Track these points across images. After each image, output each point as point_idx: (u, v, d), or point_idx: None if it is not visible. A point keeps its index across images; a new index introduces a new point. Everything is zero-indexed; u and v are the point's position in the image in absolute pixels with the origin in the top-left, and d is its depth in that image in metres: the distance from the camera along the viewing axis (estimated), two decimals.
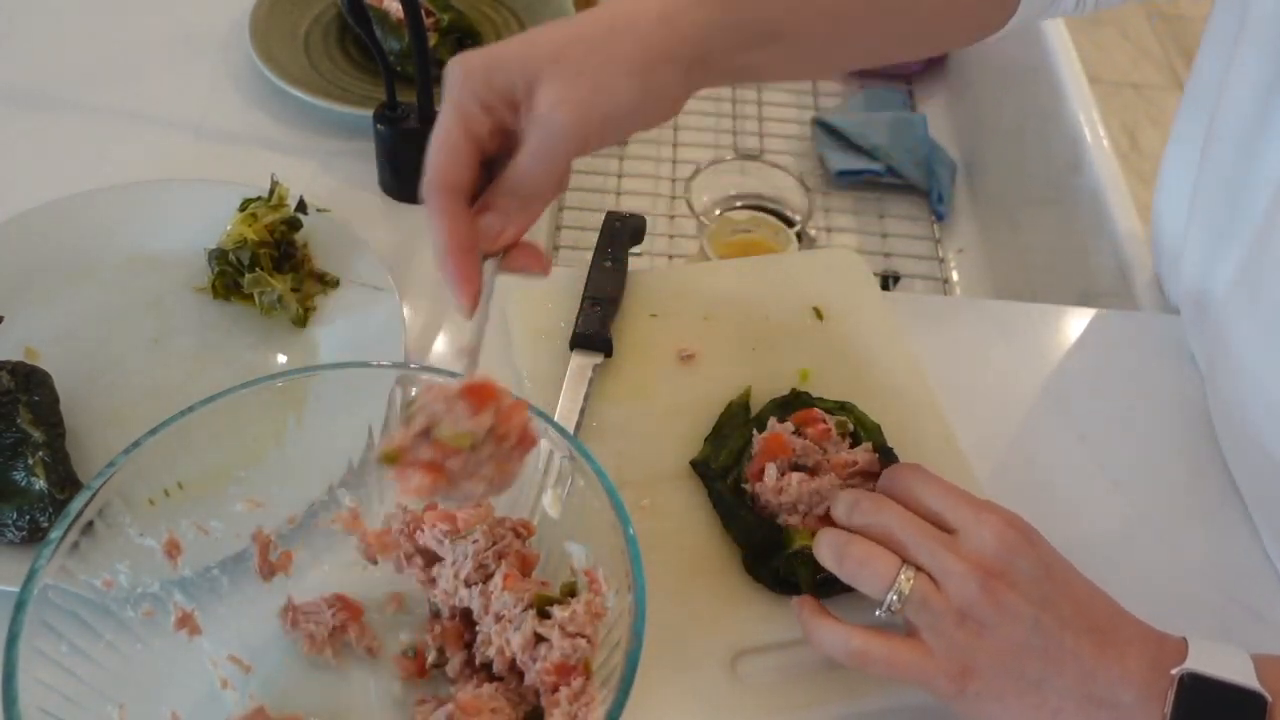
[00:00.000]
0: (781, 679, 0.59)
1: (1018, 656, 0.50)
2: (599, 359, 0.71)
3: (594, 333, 0.72)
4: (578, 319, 0.73)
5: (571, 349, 0.72)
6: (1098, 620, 0.51)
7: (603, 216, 0.81)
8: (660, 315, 0.76)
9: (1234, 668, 0.49)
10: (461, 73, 0.50)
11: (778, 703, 0.58)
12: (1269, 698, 0.48)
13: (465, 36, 0.95)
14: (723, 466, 0.65)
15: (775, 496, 0.61)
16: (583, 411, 0.69)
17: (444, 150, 0.50)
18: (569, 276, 0.77)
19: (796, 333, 0.76)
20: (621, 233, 0.79)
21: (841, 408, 0.67)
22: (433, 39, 0.90)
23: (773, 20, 0.56)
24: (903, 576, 0.51)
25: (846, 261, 0.81)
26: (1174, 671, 0.49)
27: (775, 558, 0.60)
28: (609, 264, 0.76)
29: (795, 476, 0.60)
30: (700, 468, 0.66)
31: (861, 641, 0.52)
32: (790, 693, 0.58)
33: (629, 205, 1.10)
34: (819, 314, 0.77)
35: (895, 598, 0.51)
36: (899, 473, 0.56)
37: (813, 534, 0.59)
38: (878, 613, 0.52)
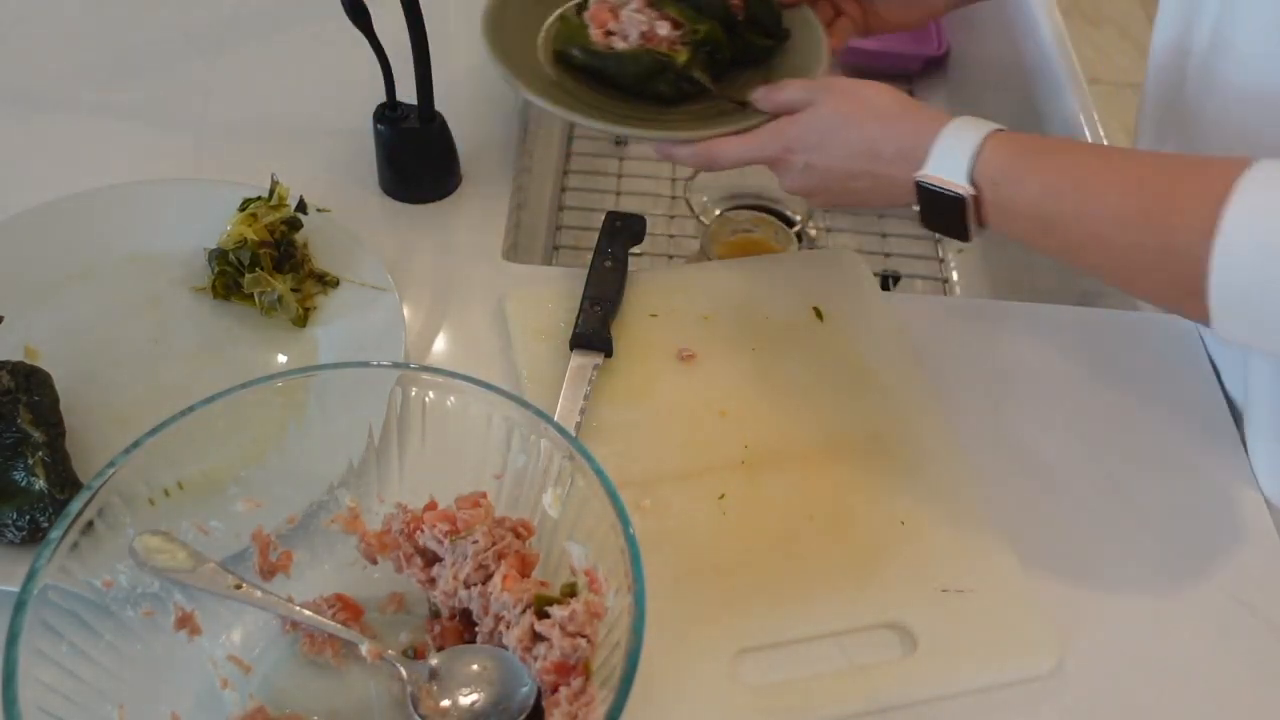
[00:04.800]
0: (781, 679, 0.59)
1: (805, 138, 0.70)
2: (599, 359, 0.72)
3: (594, 332, 0.72)
4: (578, 319, 0.73)
5: (571, 349, 0.72)
6: (881, 110, 0.67)
7: (603, 216, 0.81)
8: (660, 315, 0.76)
9: (952, 166, 0.63)
10: None
11: (777, 703, 0.58)
12: (966, 194, 0.62)
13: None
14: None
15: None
16: (583, 411, 0.69)
17: None
18: (569, 276, 0.77)
19: (796, 333, 0.76)
20: (621, 233, 0.79)
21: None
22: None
23: None
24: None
25: (846, 262, 0.81)
26: (915, 177, 0.64)
27: (661, 79, 0.78)
28: (609, 264, 0.77)
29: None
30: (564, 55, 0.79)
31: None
32: (789, 693, 0.58)
33: (629, 205, 1.10)
34: (819, 314, 0.77)
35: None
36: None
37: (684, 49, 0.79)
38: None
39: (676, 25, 0.82)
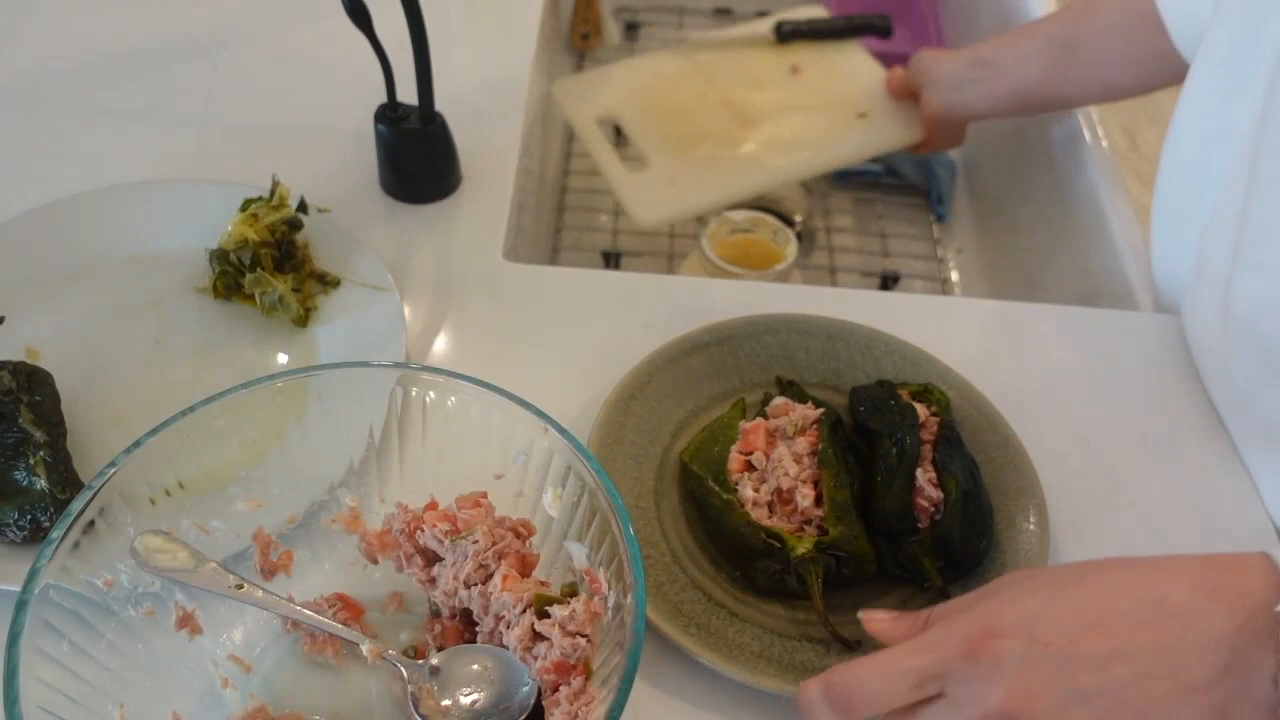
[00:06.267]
0: None
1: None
2: None
3: None
4: None
5: None
6: (1128, 606, 0.46)
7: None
8: None
9: None
10: None
11: None
12: None
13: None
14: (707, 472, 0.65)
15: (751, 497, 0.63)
16: None
17: None
18: None
19: None
20: None
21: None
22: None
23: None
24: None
25: None
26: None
27: (760, 564, 0.61)
28: None
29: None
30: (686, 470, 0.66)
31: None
32: None
33: None
34: None
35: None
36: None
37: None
38: None
39: (820, 500, 0.61)
